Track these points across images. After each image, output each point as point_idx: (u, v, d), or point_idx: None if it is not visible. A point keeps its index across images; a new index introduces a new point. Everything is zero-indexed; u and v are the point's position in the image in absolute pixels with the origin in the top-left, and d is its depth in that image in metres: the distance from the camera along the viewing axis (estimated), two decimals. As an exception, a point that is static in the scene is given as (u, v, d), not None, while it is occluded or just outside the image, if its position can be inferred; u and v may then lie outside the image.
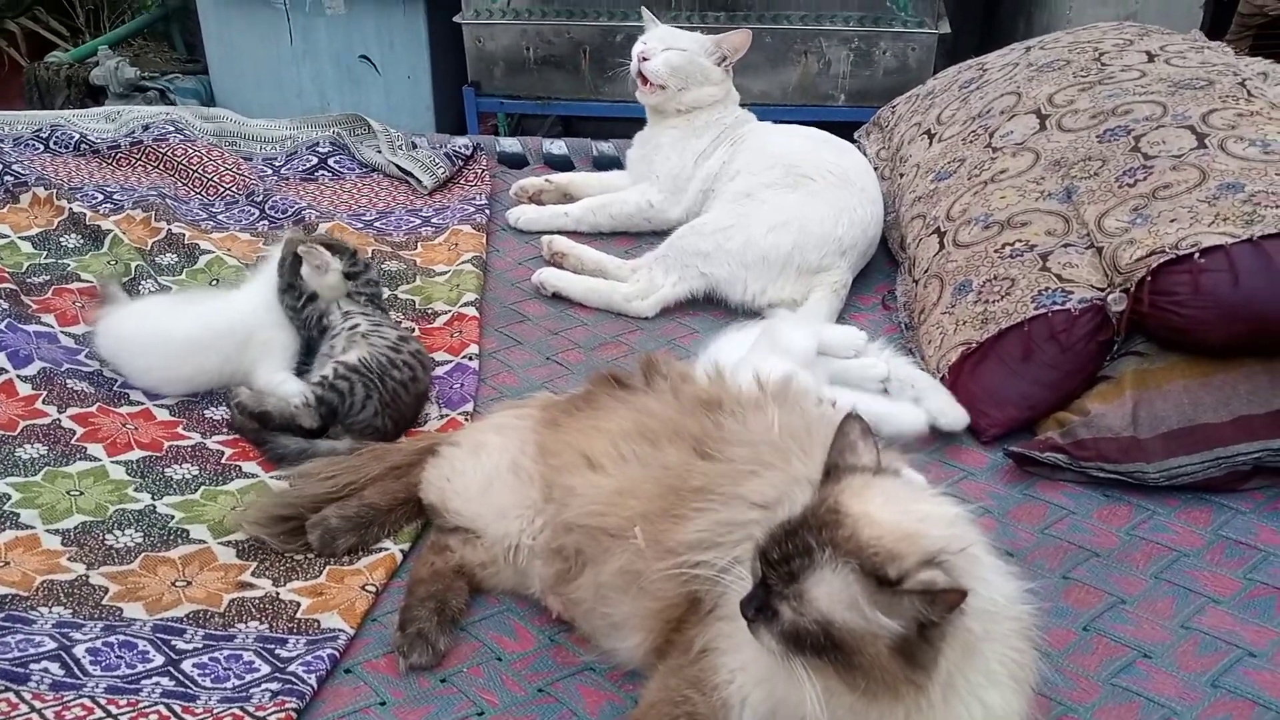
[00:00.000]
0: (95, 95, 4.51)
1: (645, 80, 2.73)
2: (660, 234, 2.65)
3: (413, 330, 2.31)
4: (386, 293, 2.48)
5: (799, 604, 1.14)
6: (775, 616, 1.16)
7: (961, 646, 1.15)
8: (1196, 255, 1.86)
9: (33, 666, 1.46)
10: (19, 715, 1.39)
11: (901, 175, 2.74)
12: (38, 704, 1.41)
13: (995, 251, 2.17)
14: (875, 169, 2.80)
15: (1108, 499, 1.87)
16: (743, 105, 2.85)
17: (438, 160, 3.04)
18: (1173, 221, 1.95)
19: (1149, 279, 1.90)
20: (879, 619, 1.11)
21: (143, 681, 1.46)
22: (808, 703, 1.15)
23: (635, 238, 2.77)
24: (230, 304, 2.17)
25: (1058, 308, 1.99)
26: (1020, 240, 2.15)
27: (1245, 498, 1.85)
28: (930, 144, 2.70)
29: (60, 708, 1.41)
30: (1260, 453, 1.82)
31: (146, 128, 3.11)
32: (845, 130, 3.03)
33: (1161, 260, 1.89)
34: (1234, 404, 1.85)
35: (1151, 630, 1.58)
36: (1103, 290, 1.98)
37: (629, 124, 3.03)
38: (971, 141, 2.54)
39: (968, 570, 1.15)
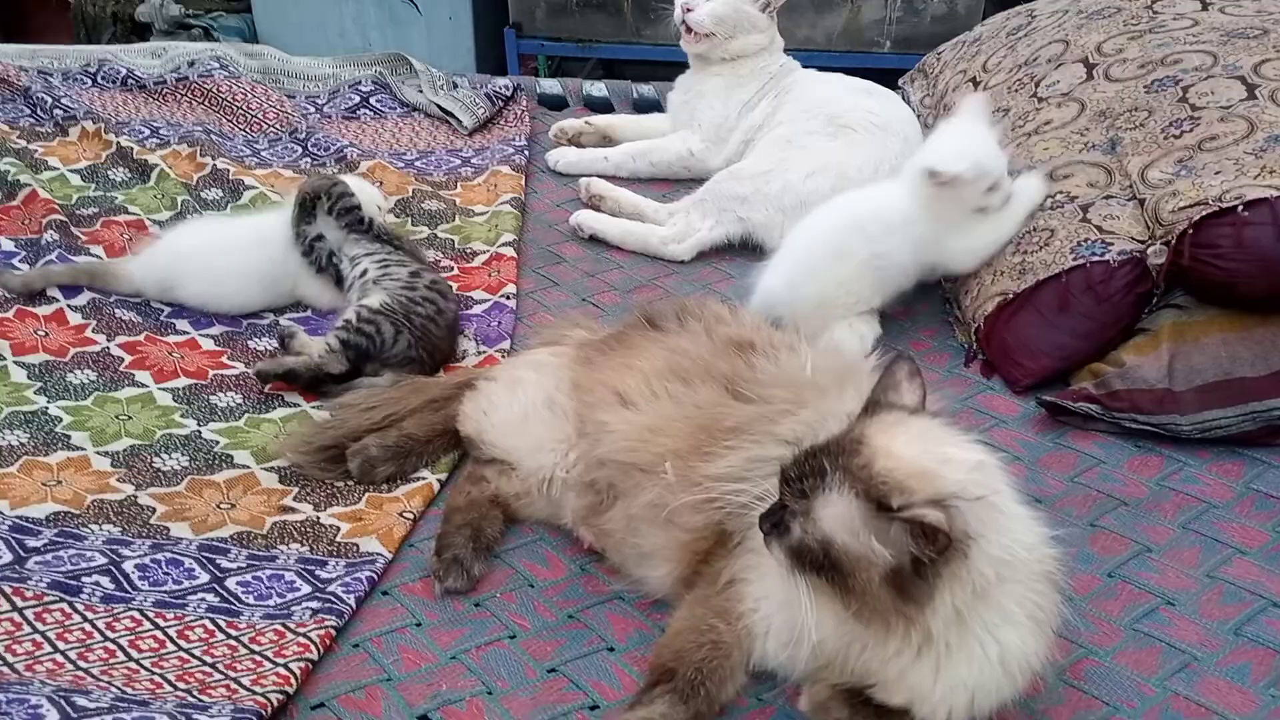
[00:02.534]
0: (140, 32, 4.55)
1: (690, 29, 2.71)
2: (699, 179, 2.65)
3: (449, 265, 2.33)
4: (426, 231, 2.51)
5: (805, 521, 1.19)
6: (787, 532, 1.20)
7: (973, 589, 1.17)
8: (1240, 208, 1.84)
9: (84, 580, 1.52)
10: (73, 624, 1.45)
11: (945, 124, 2.71)
12: (90, 615, 1.47)
13: (1035, 203, 2.15)
14: (919, 116, 2.77)
15: (1139, 450, 1.87)
16: (786, 52, 2.83)
17: (478, 100, 3.05)
18: (1217, 174, 1.93)
19: (1190, 231, 1.88)
20: (873, 544, 1.15)
21: (189, 597, 1.52)
22: (800, 613, 1.20)
23: (673, 182, 2.77)
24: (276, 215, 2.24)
25: (1096, 259, 1.97)
26: (1061, 192, 2.13)
27: (1278, 452, 1.85)
28: (975, 92, 2.67)
29: (111, 619, 1.47)
30: (1296, 408, 1.82)
31: (192, 64, 3.14)
32: (890, 78, 2.99)
33: (1204, 213, 1.87)
34: (1272, 359, 1.83)
35: (1176, 578, 1.59)
36: (1143, 243, 1.96)
37: (671, 67, 3.01)
38: (1017, 90, 2.51)
39: (982, 518, 1.16)
